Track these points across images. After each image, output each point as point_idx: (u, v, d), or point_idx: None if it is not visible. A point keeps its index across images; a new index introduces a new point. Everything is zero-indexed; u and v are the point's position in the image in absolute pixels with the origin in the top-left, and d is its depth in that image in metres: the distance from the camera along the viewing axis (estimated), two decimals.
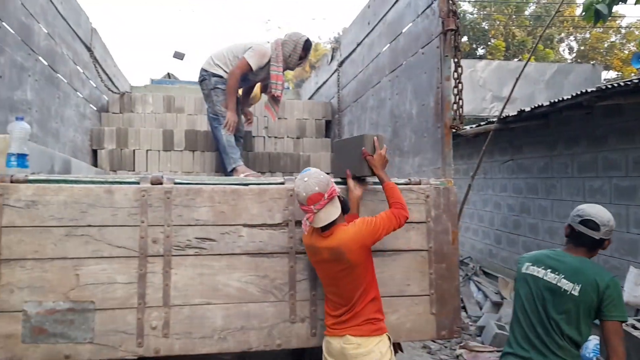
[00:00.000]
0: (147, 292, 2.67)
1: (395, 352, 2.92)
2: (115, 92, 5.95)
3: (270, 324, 2.82)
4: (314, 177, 2.61)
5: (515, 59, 18.18)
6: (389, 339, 2.69)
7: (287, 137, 6.14)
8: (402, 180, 3.27)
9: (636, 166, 4.91)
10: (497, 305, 6.65)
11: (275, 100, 4.84)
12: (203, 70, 4.58)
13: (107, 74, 5.84)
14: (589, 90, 4.79)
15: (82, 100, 4.94)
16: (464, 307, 7.00)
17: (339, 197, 2.69)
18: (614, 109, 5.18)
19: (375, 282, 2.68)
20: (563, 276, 2.45)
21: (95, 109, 5.49)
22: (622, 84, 4.44)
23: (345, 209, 2.74)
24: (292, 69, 4.92)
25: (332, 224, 2.63)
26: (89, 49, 5.18)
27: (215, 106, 4.51)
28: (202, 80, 4.59)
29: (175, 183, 2.83)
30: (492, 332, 5.53)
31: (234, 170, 4.51)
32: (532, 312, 2.50)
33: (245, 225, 2.85)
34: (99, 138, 5.29)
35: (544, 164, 6.67)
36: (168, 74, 9.22)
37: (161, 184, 2.79)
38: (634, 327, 2.79)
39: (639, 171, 4.87)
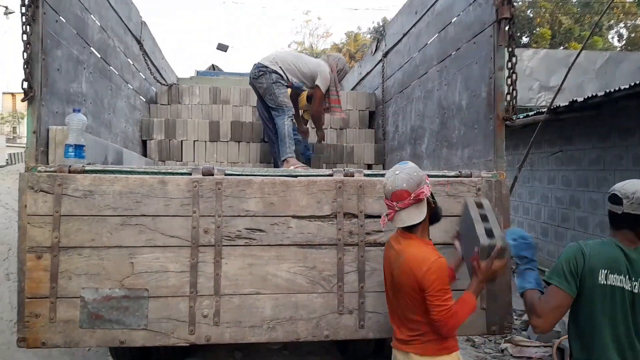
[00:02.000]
0: (199, 281, 2.72)
1: None
2: (163, 84, 6.06)
3: (319, 315, 2.83)
4: (406, 173, 2.39)
5: (562, 47, 17.57)
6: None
7: (331, 127, 6.13)
8: (453, 173, 3.22)
9: None
10: None
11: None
12: (262, 66, 4.76)
13: (155, 66, 5.95)
14: None
15: (133, 92, 5.05)
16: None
17: (430, 201, 2.43)
18: None
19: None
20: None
21: (144, 100, 5.62)
22: None
23: (434, 217, 2.49)
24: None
25: (414, 228, 2.42)
26: (139, 42, 5.28)
27: (279, 98, 4.70)
28: (261, 75, 4.74)
29: (226, 174, 2.86)
30: None
31: (285, 160, 4.60)
32: (623, 332, 2.09)
33: (294, 217, 2.86)
34: (149, 129, 5.41)
35: (595, 155, 6.44)
36: (212, 65, 9.34)
37: (212, 175, 2.83)
38: None
39: None
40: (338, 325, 2.86)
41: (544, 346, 5.16)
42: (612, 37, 21.28)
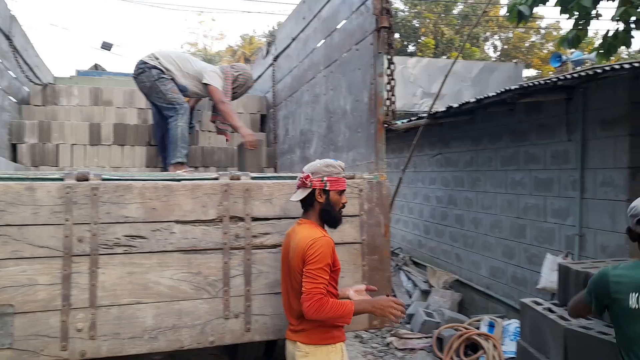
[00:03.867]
0: (72, 293, 2.56)
1: None
2: (37, 84, 5.61)
3: (204, 321, 2.79)
4: (321, 162, 2.65)
5: (444, 57, 18.79)
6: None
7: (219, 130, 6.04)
8: None
9: (554, 160, 5.23)
10: (425, 294, 6.90)
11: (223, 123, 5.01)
12: (142, 62, 4.51)
13: (27, 64, 5.50)
14: (512, 87, 5.05)
15: (0, 92, 4.63)
16: (394, 297, 7.20)
17: (319, 195, 2.59)
18: (534, 106, 5.49)
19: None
20: None
21: (14, 100, 5.17)
22: (542, 82, 4.71)
23: (325, 216, 2.61)
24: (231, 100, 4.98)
25: (307, 215, 2.62)
26: (7, 38, 4.85)
27: (167, 95, 4.44)
28: (140, 72, 4.48)
29: (104, 179, 2.72)
30: (421, 320, 5.74)
31: (177, 164, 4.40)
32: None
33: (177, 222, 2.79)
34: (19, 132, 4.98)
35: (470, 157, 6.97)
36: (95, 65, 8.81)
37: (87, 180, 2.67)
38: (549, 310, 2.98)
39: (557, 164, 5.19)
40: (224, 330, 2.83)
41: (425, 337, 5.49)
42: (488, 48, 23.15)
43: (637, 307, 1.98)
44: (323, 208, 2.59)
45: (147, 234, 2.73)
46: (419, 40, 20.55)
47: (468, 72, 11.42)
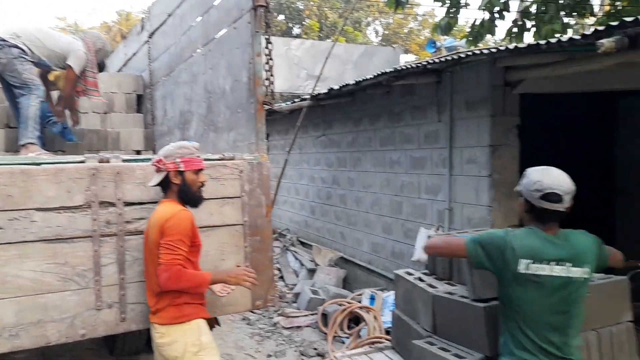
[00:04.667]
0: None
1: (212, 327, 2.91)
2: None
3: (73, 314, 2.62)
4: (173, 145, 2.70)
5: (328, 39, 19.10)
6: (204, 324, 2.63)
7: (93, 112, 5.65)
8: (216, 156, 3.26)
9: (426, 139, 5.56)
10: (311, 272, 7.07)
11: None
12: (1, 39, 4.13)
13: None
14: (387, 70, 5.26)
15: None
16: (281, 277, 7.30)
17: (176, 175, 2.65)
18: (408, 89, 5.78)
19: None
20: (570, 264, 2.13)
21: None
22: (414, 65, 4.96)
23: (185, 195, 2.67)
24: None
25: (167, 195, 2.68)
26: None
27: (22, 75, 4.14)
28: None
29: None
30: (307, 298, 5.88)
31: (24, 146, 4.09)
32: (543, 322, 2.13)
33: (39, 209, 2.57)
34: None
35: (351, 138, 7.20)
36: None
37: None
38: (420, 279, 3.19)
39: (429, 144, 5.53)
40: (96, 322, 2.69)
41: (311, 314, 5.64)
42: (370, 33, 23.94)
43: (526, 272, 2.09)
44: (181, 189, 2.65)
45: (3, 224, 2.49)
46: (303, 23, 20.68)
47: (350, 56, 11.73)
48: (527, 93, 4.67)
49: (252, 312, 5.84)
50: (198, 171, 2.70)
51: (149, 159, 2.99)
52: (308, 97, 7.20)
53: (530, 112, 5.09)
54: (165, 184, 2.67)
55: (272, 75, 3.51)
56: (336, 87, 6.35)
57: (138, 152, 5.47)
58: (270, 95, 3.58)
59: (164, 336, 2.53)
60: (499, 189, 4.66)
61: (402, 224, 6.01)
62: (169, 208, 2.57)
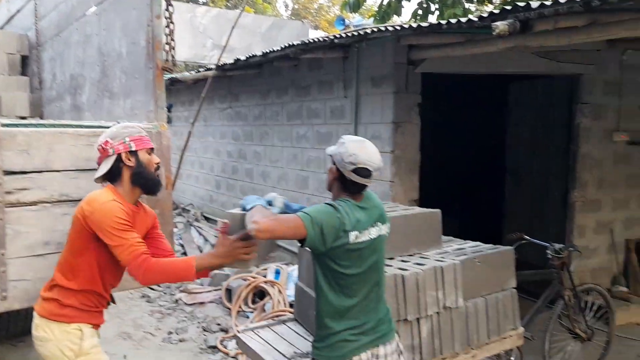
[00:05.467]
0: None
1: (108, 303, 2.72)
2: None
3: None
4: (118, 125, 2.40)
5: (236, 9, 18.58)
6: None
7: None
8: (110, 124, 3.05)
9: (333, 115, 5.60)
10: None
11: None
12: None
13: None
14: (295, 43, 5.20)
15: None
16: (184, 253, 7.10)
17: (125, 159, 2.28)
18: (316, 63, 5.76)
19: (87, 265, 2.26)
20: (380, 222, 2.23)
21: None
22: (322, 39, 4.94)
23: (138, 180, 2.31)
24: None
25: (114, 183, 2.32)
26: None
27: None
28: None
29: None
30: (211, 272, 5.76)
31: None
32: (365, 283, 2.19)
33: None
34: None
35: (258, 111, 7.09)
36: None
37: None
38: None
39: (335, 119, 5.57)
40: None
41: (215, 289, 5.55)
42: (280, 6, 23.63)
43: (355, 242, 2.10)
44: (135, 172, 2.29)
45: None
46: None
47: (258, 27, 11.49)
48: (430, 73, 4.83)
49: (151, 288, 5.63)
50: (151, 151, 2.37)
51: (35, 125, 2.73)
52: (214, 67, 6.96)
53: (431, 91, 5.29)
54: (114, 172, 2.29)
55: (172, 39, 3.31)
56: (243, 57, 6.18)
57: (23, 119, 5.00)
58: (171, 61, 3.39)
59: (38, 329, 2.25)
60: (401, 165, 4.82)
61: (307, 199, 6.04)
62: (101, 195, 2.22)
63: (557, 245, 3.86)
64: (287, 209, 2.36)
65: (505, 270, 3.18)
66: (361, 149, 2.14)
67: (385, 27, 4.23)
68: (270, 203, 2.32)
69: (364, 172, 2.11)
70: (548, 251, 3.86)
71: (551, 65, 5.15)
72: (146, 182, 2.33)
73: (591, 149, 5.50)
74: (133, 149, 2.29)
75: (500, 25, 3.12)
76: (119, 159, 2.28)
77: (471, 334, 2.94)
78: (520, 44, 3.76)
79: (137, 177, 2.30)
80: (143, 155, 2.32)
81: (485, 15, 3.56)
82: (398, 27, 4.13)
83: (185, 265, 2.15)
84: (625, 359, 4.44)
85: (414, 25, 3.96)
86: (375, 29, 4.44)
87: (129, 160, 2.28)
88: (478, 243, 3.39)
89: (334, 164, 2.20)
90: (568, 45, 4.78)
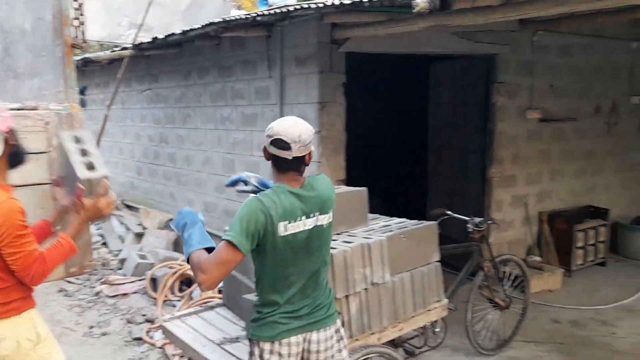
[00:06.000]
0: None
1: None
2: None
3: None
4: None
5: None
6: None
7: None
8: (16, 106, 2.82)
9: (257, 95, 5.49)
10: (139, 236, 6.68)
11: None
12: None
13: None
14: (216, 21, 5.02)
15: None
16: (104, 243, 6.78)
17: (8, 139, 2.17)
18: (238, 42, 5.61)
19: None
20: (318, 213, 2.17)
21: None
22: (243, 17, 4.80)
23: (15, 158, 2.24)
24: None
25: None
26: None
27: None
28: None
29: None
30: (134, 263, 5.55)
31: None
32: (298, 269, 2.16)
33: None
34: None
35: (180, 93, 6.83)
36: None
37: None
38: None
39: (260, 100, 5.46)
40: None
41: (139, 280, 5.33)
42: None
43: (285, 234, 2.07)
44: (14, 152, 2.24)
45: None
46: None
47: (178, 6, 11.06)
48: (355, 52, 4.83)
49: (68, 281, 5.33)
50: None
51: None
52: (130, 46, 6.61)
53: (357, 70, 5.31)
54: None
55: (82, 14, 3.11)
56: (161, 36, 5.90)
57: None
58: (82, 38, 3.18)
59: None
60: (327, 145, 4.81)
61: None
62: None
63: (477, 219, 4.02)
64: (261, 187, 2.37)
65: (430, 244, 3.26)
66: (278, 123, 2.14)
67: (308, 4, 4.17)
68: (245, 182, 2.39)
69: (280, 144, 2.07)
70: (468, 225, 4.01)
71: (469, 45, 5.31)
72: (22, 159, 2.30)
73: (506, 127, 5.76)
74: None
75: (421, 3, 3.16)
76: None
77: (398, 308, 3.00)
78: (440, 22, 3.83)
79: (17, 156, 2.27)
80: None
81: None
82: (321, 5, 4.08)
83: (68, 249, 2.25)
84: (539, 323, 4.74)
85: (337, 2, 3.92)
86: (298, 7, 4.36)
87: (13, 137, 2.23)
88: (403, 219, 3.45)
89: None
90: (485, 25, 4.96)
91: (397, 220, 3.46)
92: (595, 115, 6.59)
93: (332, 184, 2.35)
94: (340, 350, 2.30)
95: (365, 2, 3.64)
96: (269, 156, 2.16)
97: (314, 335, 2.20)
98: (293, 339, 2.16)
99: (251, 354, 2.20)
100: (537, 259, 5.89)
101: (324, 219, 2.20)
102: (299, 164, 2.13)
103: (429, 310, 3.21)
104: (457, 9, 3.53)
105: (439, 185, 6.46)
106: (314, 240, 2.17)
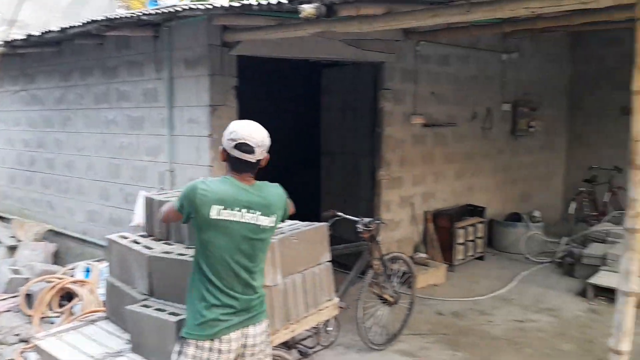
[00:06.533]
0: None
1: None
2: None
3: None
4: None
5: None
6: None
7: None
8: None
9: (145, 98, 5.26)
10: (12, 249, 6.12)
11: None
12: None
13: None
14: (98, 19, 4.74)
15: None
16: None
17: None
18: (124, 42, 5.34)
19: None
20: (260, 213, 2.28)
21: None
22: (127, 15, 4.58)
23: None
24: None
25: None
26: None
27: None
28: None
29: None
30: (6, 278, 5.06)
31: None
32: (233, 263, 2.24)
33: None
34: None
35: (59, 94, 6.36)
36: None
37: None
38: (135, 242, 3.02)
39: (148, 102, 5.24)
40: None
41: (13, 296, 4.88)
42: None
43: (218, 217, 2.19)
44: None
45: None
46: None
47: (57, 3, 10.31)
48: (247, 55, 4.80)
49: None
50: None
51: None
52: (2, 43, 6.05)
53: (251, 74, 5.29)
54: None
55: None
56: (36, 33, 5.47)
57: None
58: None
59: None
60: (219, 148, 4.72)
61: (120, 189, 5.63)
62: None
63: (366, 220, 4.17)
64: None
65: (320, 245, 3.31)
66: (242, 127, 2.27)
67: (196, 6, 4.08)
68: None
69: (245, 147, 2.22)
70: (358, 225, 4.14)
71: (357, 52, 5.51)
72: None
73: (394, 131, 6.04)
74: None
75: (307, 8, 3.21)
76: None
77: (290, 310, 3.01)
78: (327, 29, 3.93)
79: None
80: None
81: None
82: (210, 6, 4.01)
83: None
84: (425, 316, 5.01)
85: (225, 4, 3.88)
86: (186, 7, 4.25)
87: None
88: (295, 222, 3.48)
89: (222, 145, 2.32)
90: (371, 34, 5.19)
91: (289, 222, 3.48)
92: (472, 121, 7.12)
93: (284, 195, 2.46)
94: (268, 345, 2.45)
95: (253, 5, 3.63)
96: (226, 158, 2.29)
97: (250, 330, 2.30)
98: (233, 334, 2.23)
99: (180, 353, 2.22)
100: (423, 255, 6.22)
101: (264, 220, 2.29)
102: (256, 166, 2.29)
103: (321, 310, 3.26)
104: (343, 16, 3.65)
105: (332, 188, 6.62)
106: (251, 236, 2.27)
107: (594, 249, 6.09)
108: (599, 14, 4.29)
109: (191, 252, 2.72)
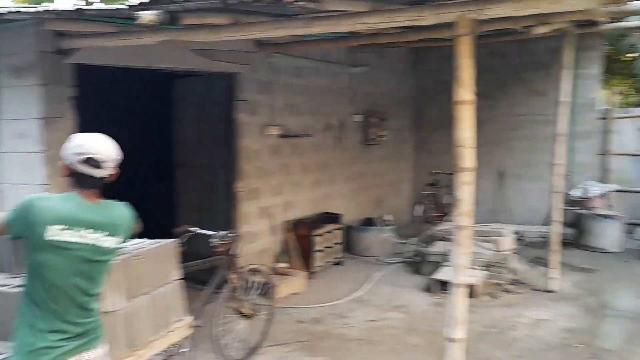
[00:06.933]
0: None
1: None
2: None
3: None
4: None
5: None
6: None
7: None
8: None
9: None
10: None
11: None
12: None
13: None
14: None
15: None
16: None
17: None
18: None
19: None
20: (105, 233, 2.11)
21: None
22: None
23: None
24: None
25: None
26: None
27: None
28: None
29: None
30: None
31: None
32: (70, 286, 2.05)
33: None
34: None
35: None
36: None
37: None
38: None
39: None
40: None
41: None
42: None
43: (54, 238, 1.99)
44: None
45: None
46: None
47: None
48: (88, 64, 4.46)
49: None
50: None
51: None
52: None
53: (92, 84, 4.92)
54: None
55: None
56: None
57: None
58: None
59: None
60: (56, 165, 4.32)
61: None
62: None
63: (220, 233, 4.09)
64: None
65: (169, 263, 3.18)
66: (88, 141, 2.11)
67: (23, 8, 3.70)
68: None
69: (93, 163, 2.07)
70: (212, 240, 4.04)
71: (209, 63, 5.42)
72: None
73: (250, 142, 6.04)
74: None
75: (147, 16, 3.07)
76: None
77: (136, 334, 2.84)
78: (174, 38, 3.81)
79: None
80: None
81: (134, 4, 3.45)
82: (40, 10, 3.66)
83: None
84: (285, 325, 5.03)
85: (57, 8, 3.57)
86: (12, 10, 3.84)
87: None
88: (142, 239, 3.30)
89: (63, 159, 2.12)
90: (224, 44, 5.13)
91: (135, 240, 3.28)
92: (327, 131, 7.38)
93: (131, 215, 2.30)
94: None
95: (88, 10, 3.39)
96: (70, 173, 2.11)
97: (85, 355, 2.13)
98: None
99: None
100: (284, 265, 6.28)
101: (109, 242, 2.15)
102: (102, 182, 2.14)
103: (172, 331, 3.12)
104: (188, 25, 3.56)
105: (188, 201, 6.41)
106: (92, 257, 2.11)
107: (437, 247, 6.63)
108: (429, 31, 4.69)
109: (16, 281, 2.45)
